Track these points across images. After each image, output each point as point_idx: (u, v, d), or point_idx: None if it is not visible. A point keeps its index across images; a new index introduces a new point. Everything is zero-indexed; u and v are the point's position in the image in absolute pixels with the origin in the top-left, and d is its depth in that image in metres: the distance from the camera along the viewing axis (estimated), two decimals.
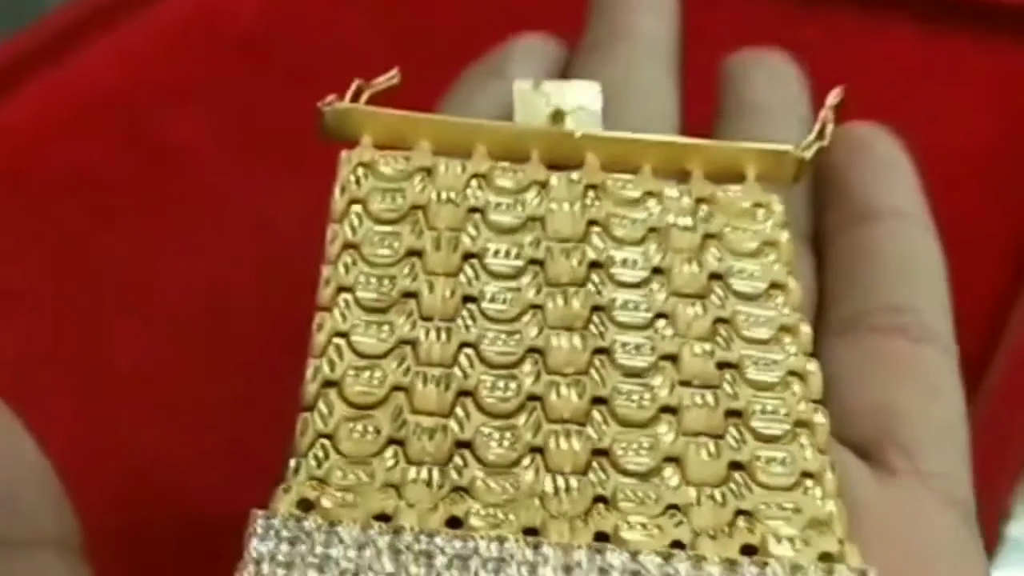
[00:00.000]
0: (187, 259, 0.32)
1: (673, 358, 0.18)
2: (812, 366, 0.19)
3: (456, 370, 0.18)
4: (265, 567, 0.15)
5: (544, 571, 0.16)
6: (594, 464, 0.17)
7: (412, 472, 0.17)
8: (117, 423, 0.28)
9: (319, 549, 0.16)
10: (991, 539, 0.25)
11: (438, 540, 0.16)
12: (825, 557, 0.16)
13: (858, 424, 0.19)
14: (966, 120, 0.36)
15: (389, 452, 0.17)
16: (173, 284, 0.32)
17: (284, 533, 0.16)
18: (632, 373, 0.18)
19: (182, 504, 0.25)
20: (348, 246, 0.19)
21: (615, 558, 0.16)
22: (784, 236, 0.21)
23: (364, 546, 0.16)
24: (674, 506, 0.17)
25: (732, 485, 0.17)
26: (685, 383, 0.18)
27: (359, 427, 0.17)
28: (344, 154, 0.21)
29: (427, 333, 0.18)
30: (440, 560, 0.16)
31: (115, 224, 0.34)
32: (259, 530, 0.16)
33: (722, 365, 0.19)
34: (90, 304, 0.31)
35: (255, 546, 0.15)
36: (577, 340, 0.19)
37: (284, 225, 0.32)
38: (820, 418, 0.18)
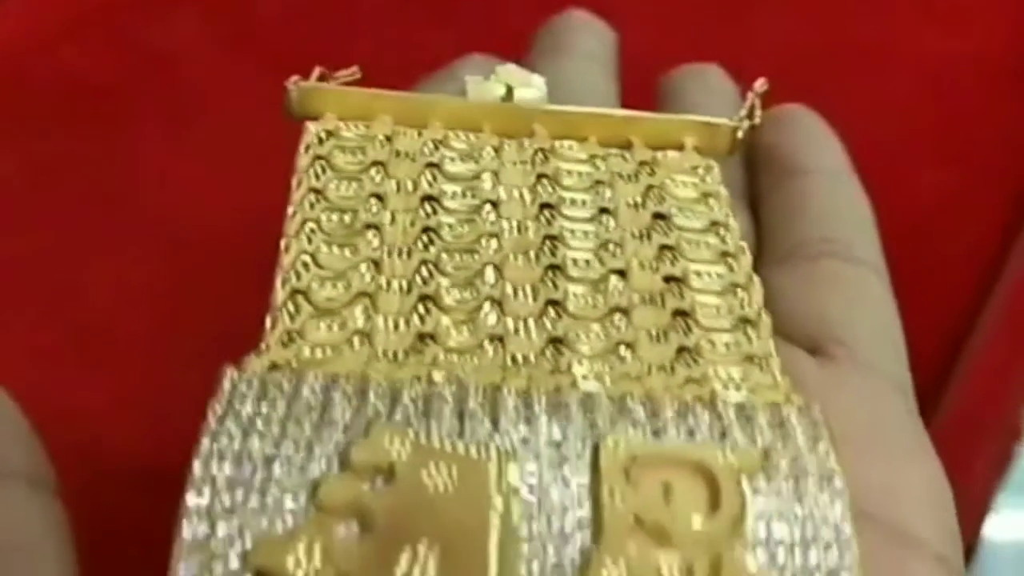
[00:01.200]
0: (180, 165, 0.32)
1: (622, 272, 0.20)
2: (755, 280, 0.20)
3: (417, 279, 0.19)
4: (230, 424, 0.16)
5: (505, 413, 0.16)
6: (549, 312, 0.18)
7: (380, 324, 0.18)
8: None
9: (283, 404, 0.16)
10: (1005, 458, 0.25)
11: (404, 388, 0.16)
12: (764, 392, 0.17)
13: (797, 332, 0.20)
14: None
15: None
16: (165, 192, 0.31)
17: (250, 392, 0.16)
18: (584, 282, 0.19)
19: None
20: (312, 190, 0.21)
21: (572, 399, 0.16)
22: (723, 190, 0.22)
23: (330, 394, 0.16)
24: (623, 343, 0.18)
25: (676, 328, 0.18)
26: (634, 292, 0.19)
27: (326, 321, 0.18)
28: (308, 124, 0.22)
29: (389, 253, 0.19)
30: (406, 400, 0.16)
31: (107, 133, 0.33)
32: (226, 388, 0.16)
33: (669, 279, 0.20)
34: (79, 214, 0.30)
35: (220, 404, 0.16)
36: (532, 256, 0.20)
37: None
38: (764, 317, 0.19)
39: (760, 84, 0.24)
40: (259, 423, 0.16)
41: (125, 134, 0.34)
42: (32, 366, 0.25)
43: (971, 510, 0.27)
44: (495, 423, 0.16)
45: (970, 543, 0.28)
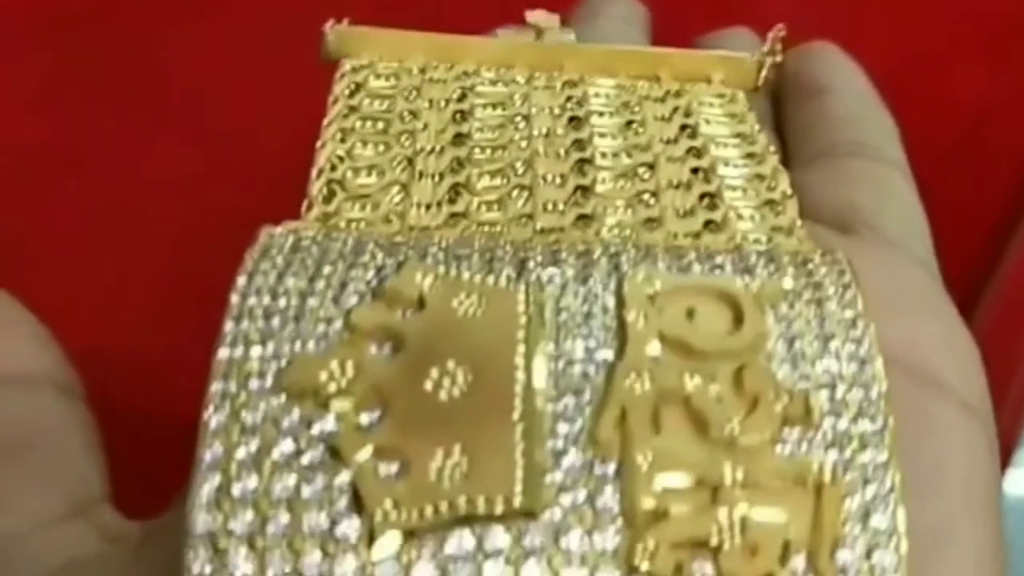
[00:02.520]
0: (200, 55, 0.32)
1: (650, 166, 0.20)
2: (781, 170, 0.20)
3: (449, 171, 0.20)
4: (266, 265, 0.16)
5: (533, 258, 0.17)
6: (578, 196, 0.19)
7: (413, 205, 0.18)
8: None
9: (317, 250, 0.17)
10: None
11: (435, 239, 0.17)
12: (781, 231, 0.17)
13: (824, 219, 0.21)
14: None
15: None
16: (194, 85, 0.31)
17: (286, 243, 0.17)
18: (612, 171, 0.20)
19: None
20: (348, 106, 0.21)
21: (597, 248, 0.17)
22: (750, 113, 0.23)
23: (362, 243, 0.17)
24: (650, 218, 0.18)
25: (703, 207, 0.19)
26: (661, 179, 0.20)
27: (360, 203, 0.19)
28: (343, 61, 0.23)
29: (421, 151, 0.20)
30: (435, 249, 0.17)
31: (136, 27, 0.33)
32: (262, 239, 0.17)
33: (696, 170, 0.20)
34: (112, 107, 0.30)
35: (256, 250, 0.17)
36: (562, 153, 0.20)
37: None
38: (789, 200, 0.20)
39: (778, 29, 0.25)
40: (294, 264, 0.16)
41: (154, 28, 0.34)
42: (67, 252, 0.25)
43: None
44: (522, 264, 0.16)
45: None
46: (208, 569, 0.14)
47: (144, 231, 0.28)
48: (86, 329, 0.22)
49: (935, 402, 0.17)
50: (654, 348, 0.15)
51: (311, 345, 0.15)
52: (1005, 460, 0.27)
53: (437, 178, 0.19)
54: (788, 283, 0.16)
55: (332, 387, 0.15)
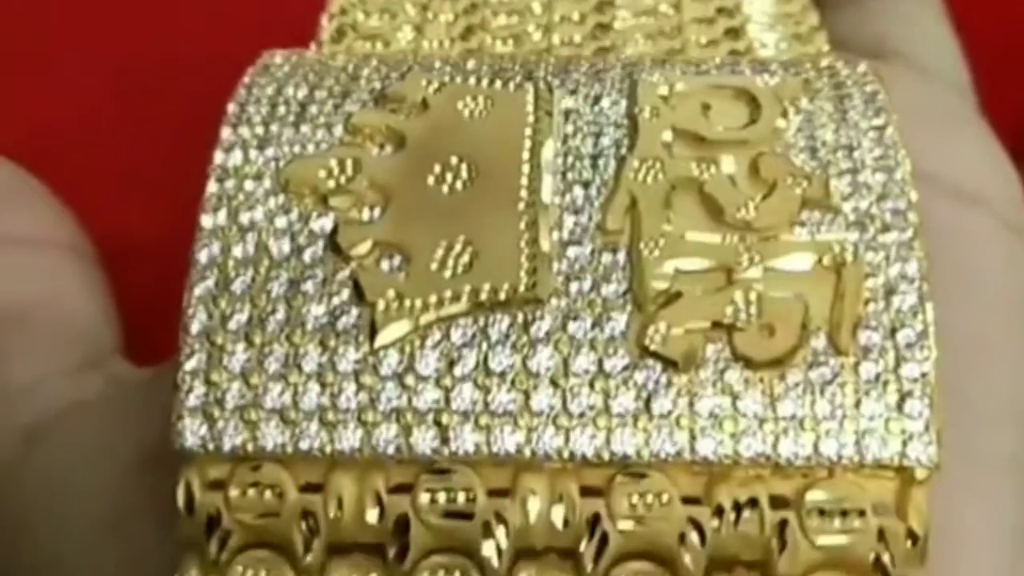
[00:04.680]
0: None
1: (675, 6, 0.19)
2: (811, 8, 0.19)
3: (463, 14, 0.19)
4: (264, 79, 0.16)
5: (542, 68, 0.16)
6: (597, 33, 0.18)
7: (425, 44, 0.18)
8: None
9: (319, 66, 0.16)
10: None
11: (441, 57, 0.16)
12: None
13: (855, 51, 0.20)
14: None
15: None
16: None
17: (287, 61, 0.16)
18: (634, 8, 0.19)
19: None
20: None
21: (611, 59, 0.16)
22: None
23: (366, 59, 0.16)
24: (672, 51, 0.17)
25: (726, 39, 0.18)
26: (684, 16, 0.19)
27: (372, 42, 0.18)
28: None
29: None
30: (440, 64, 0.16)
31: None
32: (262, 59, 0.16)
33: (720, 10, 0.19)
34: None
35: (256, 68, 0.16)
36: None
37: None
38: (817, 34, 0.19)
39: None
40: (295, 77, 0.16)
41: None
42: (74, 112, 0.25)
43: None
44: (531, 73, 0.16)
45: None
46: (204, 365, 0.13)
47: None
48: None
49: (971, 215, 0.17)
50: (666, 139, 0.15)
51: (310, 148, 0.15)
52: None
53: (452, 18, 0.19)
54: (809, 76, 0.16)
55: (331, 184, 0.14)
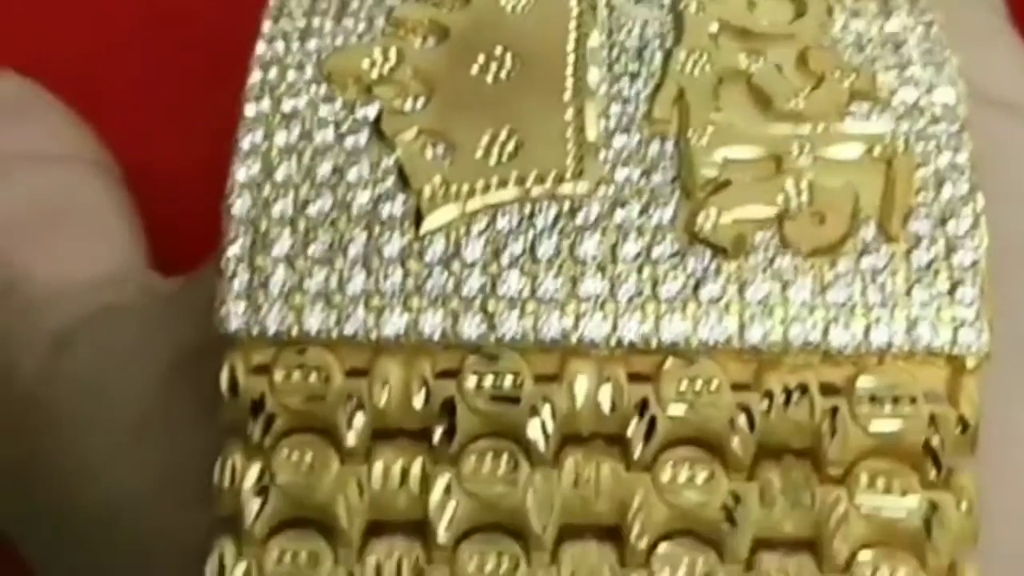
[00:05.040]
0: None
1: None
2: None
3: None
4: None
5: None
6: None
7: None
8: None
9: None
10: None
11: None
12: None
13: None
14: None
15: None
16: None
17: None
18: None
19: None
20: None
21: None
22: None
23: None
24: None
25: None
26: None
27: None
28: None
29: None
30: None
31: None
32: None
33: None
34: None
35: None
36: None
37: None
38: None
39: None
40: None
41: None
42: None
43: None
44: None
45: None
46: (248, 250, 0.13)
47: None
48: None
49: (1006, 123, 0.16)
50: (713, 30, 0.15)
51: (352, 41, 0.15)
52: None
53: None
54: None
55: (374, 74, 0.14)
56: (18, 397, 0.16)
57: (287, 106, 0.14)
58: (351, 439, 0.13)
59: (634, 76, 0.14)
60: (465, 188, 0.13)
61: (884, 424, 0.13)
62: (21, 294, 0.17)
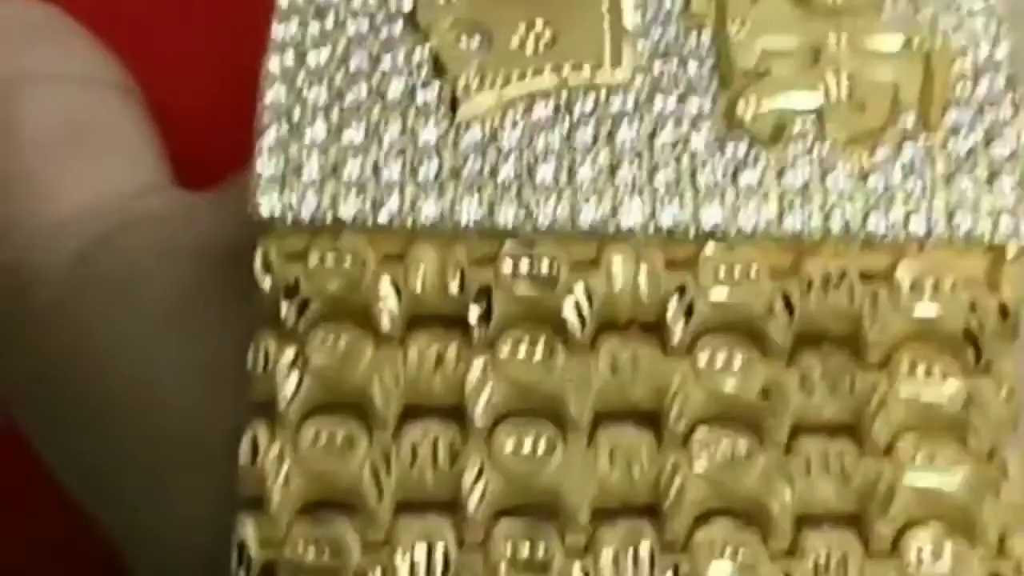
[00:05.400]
0: None
1: None
2: None
3: None
4: None
5: None
6: None
7: None
8: None
9: None
10: None
11: None
12: None
13: None
14: None
15: None
16: None
17: None
18: None
19: None
20: None
21: None
22: None
23: None
24: None
25: None
26: None
27: None
28: None
29: None
30: None
31: None
32: None
33: None
34: None
35: None
36: None
37: None
38: None
39: None
40: None
41: None
42: None
43: None
44: None
45: None
46: (283, 138, 0.13)
47: None
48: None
49: None
50: None
51: None
52: None
53: None
54: None
55: None
56: (41, 308, 0.16)
57: None
58: (386, 323, 0.13)
59: None
60: (501, 76, 0.13)
61: (924, 308, 0.13)
62: (45, 213, 0.17)
